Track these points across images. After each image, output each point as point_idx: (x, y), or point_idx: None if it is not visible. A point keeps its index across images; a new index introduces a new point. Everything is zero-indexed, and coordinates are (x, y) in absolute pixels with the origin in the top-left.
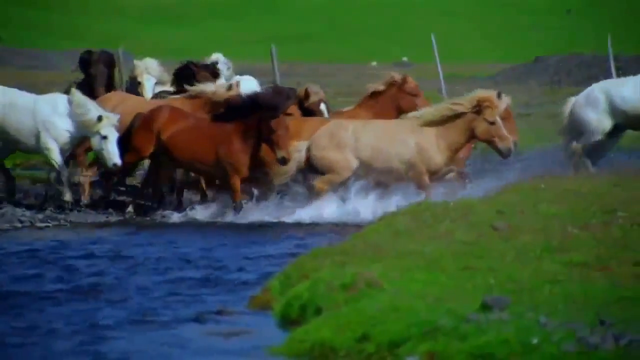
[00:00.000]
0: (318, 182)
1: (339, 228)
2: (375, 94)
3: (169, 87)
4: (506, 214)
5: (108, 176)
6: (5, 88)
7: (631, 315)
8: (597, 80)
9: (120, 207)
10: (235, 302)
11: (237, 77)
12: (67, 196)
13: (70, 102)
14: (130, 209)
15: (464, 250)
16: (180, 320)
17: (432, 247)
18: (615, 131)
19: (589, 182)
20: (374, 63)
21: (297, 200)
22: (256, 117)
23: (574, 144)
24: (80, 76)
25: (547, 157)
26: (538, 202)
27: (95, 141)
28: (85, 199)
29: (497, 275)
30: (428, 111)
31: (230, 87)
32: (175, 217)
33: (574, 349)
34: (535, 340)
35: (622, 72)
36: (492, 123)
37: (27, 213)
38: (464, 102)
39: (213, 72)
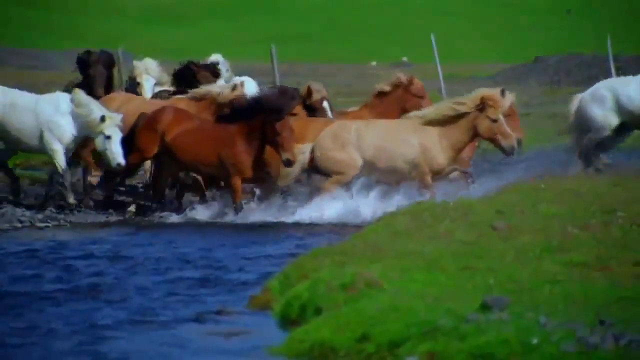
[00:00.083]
0: (326, 184)
1: (339, 228)
2: (380, 95)
3: (168, 88)
4: (506, 214)
5: (110, 177)
6: (6, 88)
7: (631, 315)
8: (597, 80)
9: (120, 207)
10: (234, 302)
11: (236, 78)
12: (71, 199)
13: (72, 102)
14: (132, 208)
15: (464, 250)
16: (179, 320)
17: (431, 247)
18: (622, 130)
19: (588, 182)
20: (374, 63)
21: (300, 201)
22: (260, 119)
23: (585, 139)
24: (79, 77)
25: (547, 157)
26: (538, 202)
27: (99, 141)
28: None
29: (496, 275)
30: (430, 111)
31: (234, 87)
32: (174, 217)
33: (574, 349)
34: (535, 340)
35: (622, 72)
36: (495, 121)
37: (27, 213)
38: (467, 102)
39: (213, 72)
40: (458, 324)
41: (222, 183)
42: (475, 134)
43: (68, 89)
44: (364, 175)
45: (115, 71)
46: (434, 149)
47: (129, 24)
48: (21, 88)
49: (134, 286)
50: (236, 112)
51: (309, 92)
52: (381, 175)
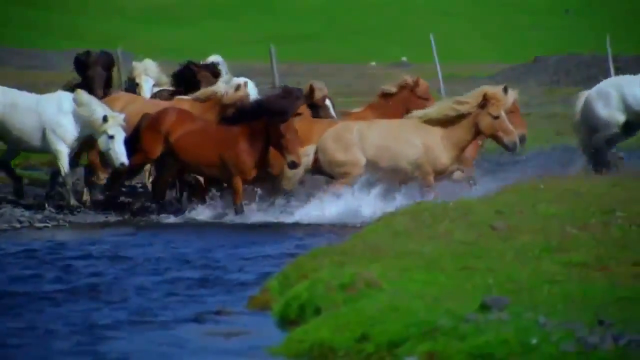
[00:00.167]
0: (333, 187)
1: (338, 228)
2: (386, 96)
3: (167, 88)
4: (505, 214)
5: (116, 177)
6: (6, 88)
7: (630, 315)
8: (596, 80)
9: (119, 207)
10: (234, 303)
11: (234, 79)
12: (72, 201)
13: (75, 101)
14: (137, 206)
15: (463, 251)
16: (179, 320)
17: (431, 247)
18: (628, 128)
19: (587, 183)
20: (373, 63)
21: (301, 201)
22: (264, 121)
23: (594, 140)
24: (77, 77)
25: (546, 157)
26: (537, 202)
27: (102, 141)
28: (88, 201)
29: (496, 275)
30: (432, 110)
31: (238, 88)
32: (173, 219)
33: (573, 349)
34: (534, 340)
35: (621, 72)
36: (496, 117)
37: (26, 213)
38: (470, 100)
39: (213, 72)
40: (457, 324)
41: (225, 184)
42: (477, 132)
43: (67, 89)
44: (367, 173)
45: (114, 72)
46: (437, 149)
47: (128, 24)
48: (21, 88)
49: (133, 286)
50: (240, 114)
51: (312, 90)
52: (384, 174)
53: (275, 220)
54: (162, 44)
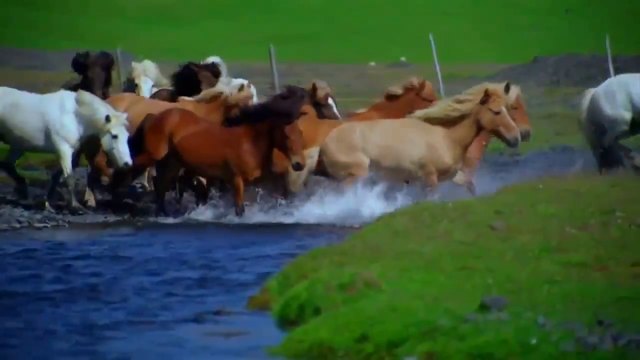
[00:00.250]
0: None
1: (338, 229)
2: (392, 97)
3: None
4: (504, 214)
5: (119, 178)
6: (8, 88)
7: (629, 315)
8: (595, 80)
9: (119, 208)
10: (233, 303)
11: (233, 80)
12: (74, 203)
13: (77, 101)
14: (136, 206)
15: (463, 251)
16: (178, 320)
17: (430, 247)
18: (633, 126)
19: (587, 183)
20: (372, 63)
21: (304, 200)
22: (268, 122)
23: (605, 140)
24: (76, 77)
25: (546, 157)
26: (536, 202)
27: (105, 141)
28: (92, 203)
29: (495, 276)
30: (434, 110)
31: (242, 88)
32: (171, 219)
33: (573, 349)
34: (533, 341)
35: (621, 72)
36: (497, 113)
37: (25, 213)
38: (471, 97)
39: (214, 72)
40: (457, 324)
41: (228, 185)
42: (479, 128)
43: (67, 89)
44: (370, 172)
45: (113, 72)
46: (440, 148)
47: (128, 24)
48: (21, 88)
49: (133, 286)
50: (245, 116)
51: (314, 89)
52: (387, 174)
53: (275, 221)
54: (162, 44)
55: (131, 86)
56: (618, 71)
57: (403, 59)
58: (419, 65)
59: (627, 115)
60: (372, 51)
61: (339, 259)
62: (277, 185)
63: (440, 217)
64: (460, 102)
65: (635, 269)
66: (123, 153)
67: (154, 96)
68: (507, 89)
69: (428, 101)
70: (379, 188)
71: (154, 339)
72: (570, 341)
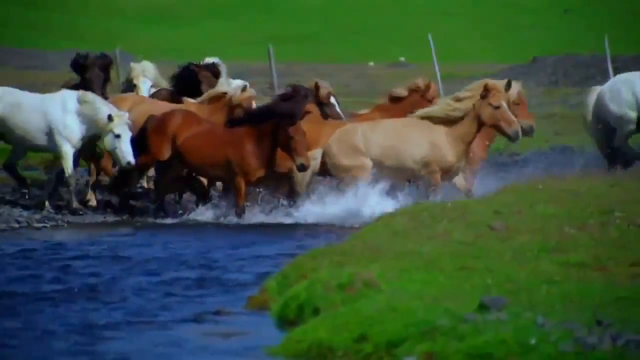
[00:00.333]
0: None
1: (337, 229)
2: (396, 99)
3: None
4: (504, 215)
5: (124, 179)
6: (9, 88)
7: (628, 315)
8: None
9: (124, 209)
10: (232, 303)
11: (232, 81)
12: (75, 204)
13: (79, 101)
14: (140, 205)
15: (462, 251)
16: (177, 320)
17: (429, 247)
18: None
19: (586, 183)
20: (371, 63)
21: (304, 200)
22: (272, 123)
23: (616, 141)
24: (74, 77)
25: (545, 158)
26: (535, 203)
27: (108, 140)
28: (93, 203)
29: (494, 276)
30: (435, 109)
31: (245, 89)
32: (170, 220)
33: (572, 349)
34: (532, 341)
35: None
36: (497, 107)
37: (25, 213)
38: (471, 94)
39: (214, 72)
40: (456, 324)
41: (230, 186)
42: (481, 123)
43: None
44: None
45: (113, 72)
46: (443, 147)
47: (128, 24)
48: (21, 88)
49: (132, 287)
50: (249, 117)
51: (317, 88)
52: (390, 173)
53: (275, 221)
54: (162, 44)
55: (130, 87)
56: (617, 71)
57: (402, 59)
58: (418, 65)
59: (633, 115)
60: (372, 51)
61: (338, 259)
62: (279, 185)
63: (439, 217)
64: (460, 99)
65: (634, 269)
66: (126, 152)
67: (153, 96)
68: (508, 85)
69: (431, 103)
70: (381, 187)
71: (153, 339)
72: (569, 341)
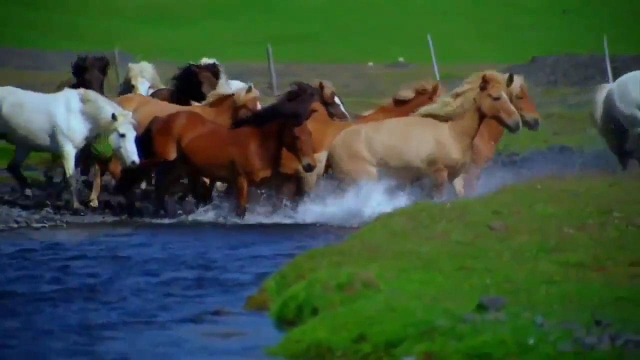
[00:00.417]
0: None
1: (337, 229)
2: (402, 102)
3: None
4: (502, 215)
5: (129, 179)
6: (12, 88)
7: (627, 315)
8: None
9: (130, 209)
10: (232, 303)
11: (231, 82)
12: (76, 204)
13: (81, 99)
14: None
15: (461, 251)
16: (176, 320)
17: (428, 247)
18: None
19: (585, 183)
20: (371, 63)
21: (307, 202)
22: (277, 124)
23: (630, 141)
24: (72, 77)
25: (544, 158)
26: (534, 203)
27: (112, 139)
28: (95, 203)
29: (493, 276)
30: (436, 107)
31: (250, 89)
32: (168, 220)
33: (571, 349)
34: (531, 341)
35: (619, 72)
36: (497, 98)
37: (23, 213)
38: (470, 86)
39: (214, 73)
40: (455, 324)
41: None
42: (482, 115)
43: (62, 90)
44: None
45: (111, 73)
46: (447, 144)
47: (127, 24)
48: (21, 88)
49: (131, 287)
50: (255, 118)
51: (321, 88)
52: (396, 173)
53: (274, 222)
54: (162, 44)
55: (128, 87)
56: (616, 71)
57: (401, 59)
58: (418, 66)
59: (639, 113)
60: (371, 51)
61: (337, 259)
62: (282, 186)
63: (438, 217)
64: (459, 95)
65: (633, 269)
66: (130, 152)
67: (152, 96)
68: (510, 80)
69: None
70: (384, 187)
71: (152, 339)
72: (568, 341)
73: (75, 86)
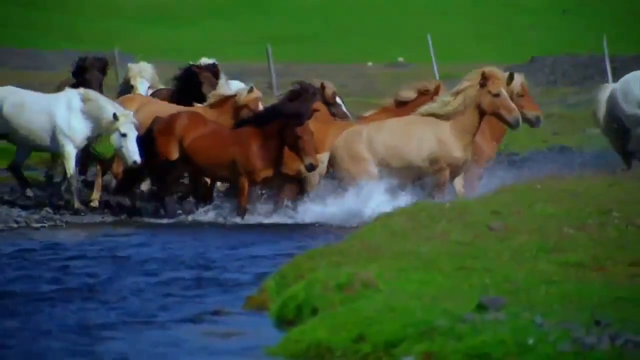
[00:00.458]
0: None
1: (336, 229)
2: (403, 103)
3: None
4: (502, 215)
5: (131, 179)
6: (13, 87)
7: (627, 315)
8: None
9: (116, 208)
10: (231, 303)
11: (230, 83)
12: (77, 204)
13: (82, 99)
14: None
15: (460, 251)
16: (176, 320)
17: (428, 247)
18: None
19: (584, 183)
20: (370, 63)
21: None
22: (277, 123)
23: (634, 140)
24: (71, 77)
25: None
26: (534, 203)
27: (114, 139)
28: (96, 204)
29: (493, 276)
30: (436, 106)
31: (251, 89)
32: (166, 220)
33: (570, 349)
34: (531, 341)
35: (618, 72)
36: (497, 95)
37: (23, 213)
38: (469, 83)
39: (214, 72)
40: (454, 324)
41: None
42: (482, 112)
43: (61, 90)
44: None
45: (111, 73)
46: (449, 142)
47: (127, 24)
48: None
49: (130, 287)
50: (257, 118)
51: (322, 88)
52: (398, 173)
53: (274, 221)
54: (161, 44)
55: (127, 88)
56: (616, 71)
57: (401, 59)
58: (417, 66)
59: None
60: (371, 51)
61: (336, 259)
62: (284, 186)
63: (438, 217)
64: (458, 92)
65: (633, 268)
66: (132, 152)
67: (152, 96)
68: (510, 77)
69: None
70: (384, 187)
71: (151, 339)
72: (567, 341)
73: (75, 86)
